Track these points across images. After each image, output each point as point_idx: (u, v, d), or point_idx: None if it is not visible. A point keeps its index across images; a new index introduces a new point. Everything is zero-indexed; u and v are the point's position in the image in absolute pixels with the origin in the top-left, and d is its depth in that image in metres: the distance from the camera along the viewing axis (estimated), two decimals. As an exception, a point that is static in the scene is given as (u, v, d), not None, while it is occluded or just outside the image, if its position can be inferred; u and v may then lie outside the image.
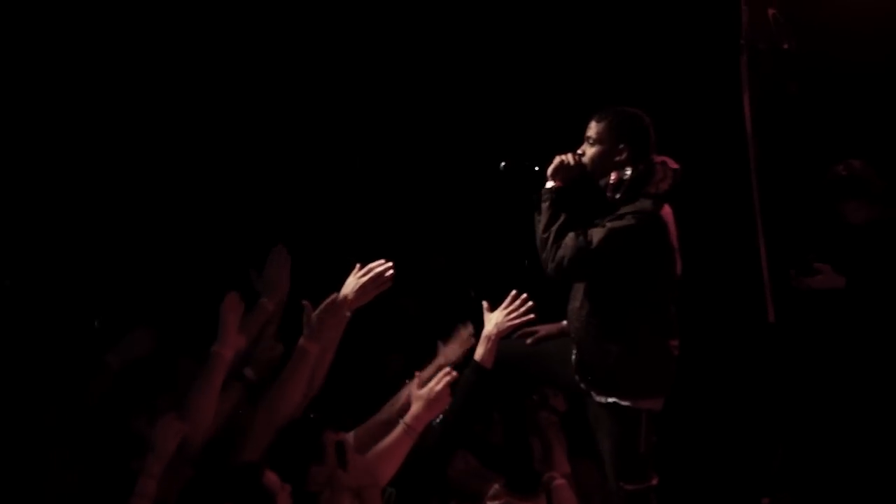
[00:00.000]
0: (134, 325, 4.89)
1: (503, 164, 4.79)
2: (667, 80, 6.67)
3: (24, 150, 6.41)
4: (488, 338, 4.93)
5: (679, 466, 5.48)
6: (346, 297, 4.58)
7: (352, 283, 4.60)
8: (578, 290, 4.75)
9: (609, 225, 4.55)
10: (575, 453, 5.41)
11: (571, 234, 4.57)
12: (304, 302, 4.55)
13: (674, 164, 4.72)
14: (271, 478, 4.03)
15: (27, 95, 6.40)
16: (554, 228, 4.61)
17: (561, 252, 4.55)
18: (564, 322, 4.86)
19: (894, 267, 5.77)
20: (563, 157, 4.68)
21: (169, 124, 6.87)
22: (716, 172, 6.41)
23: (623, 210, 4.58)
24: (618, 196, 4.62)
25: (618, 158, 4.65)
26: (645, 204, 4.59)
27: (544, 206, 4.67)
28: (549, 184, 4.70)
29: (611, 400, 4.64)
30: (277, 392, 4.46)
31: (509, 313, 4.94)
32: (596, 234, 4.54)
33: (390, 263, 4.64)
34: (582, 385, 4.72)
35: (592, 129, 4.70)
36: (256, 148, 7.11)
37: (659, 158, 4.70)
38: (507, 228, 6.65)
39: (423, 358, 5.15)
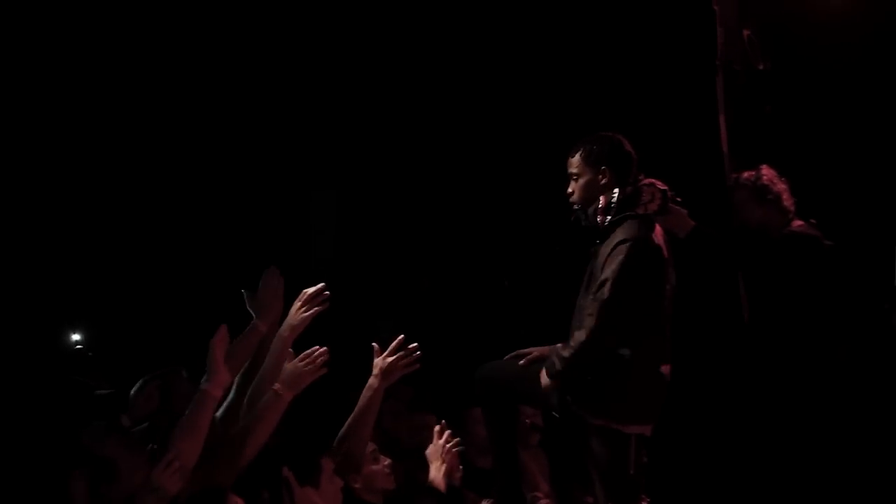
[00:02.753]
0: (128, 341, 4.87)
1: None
2: (643, 100, 6.71)
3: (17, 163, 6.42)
4: (371, 387, 4.84)
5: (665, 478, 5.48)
6: (287, 330, 4.53)
7: (292, 314, 4.55)
8: (580, 315, 4.66)
9: (608, 272, 4.48)
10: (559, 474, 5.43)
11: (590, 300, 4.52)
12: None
13: (662, 185, 4.71)
14: (236, 502, 4.01)
15: (26, 101, 6.41)
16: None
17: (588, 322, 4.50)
18: (559, 346, 4.74)
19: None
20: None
21: (161, 141, 6.88)
22: (692, 191, 6.44)
23: (615, 236, 4.55)
24: (607, 219, 4.62)
25: (602, 182, 4.66)
26: (633, 227, 4.57)
27: None
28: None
29: (599, 422, 4.59)
30: (246, 436, 4.33)
31: (395, 360, 4.84)
32: (604, 288, 4.48)
33: (322, 285, 4.57)
34: (573, 407, 4.65)
35: (571, 165, 4.73)
36: (248, 169, 7.12)
37: (647, 180, 4.70)
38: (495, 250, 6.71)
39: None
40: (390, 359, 4.82)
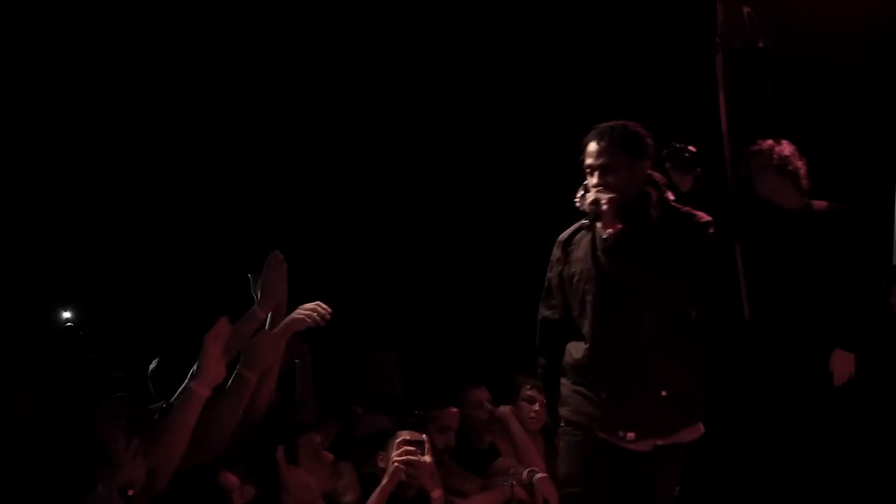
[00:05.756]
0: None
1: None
2: (642, 79, 6.67)
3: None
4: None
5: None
6: (285, 326, 4.47)
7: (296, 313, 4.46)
8: (622, 322, 4.38)
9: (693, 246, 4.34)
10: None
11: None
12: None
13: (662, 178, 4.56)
14: (228, 478, 3.95)
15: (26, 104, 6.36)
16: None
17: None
18: None
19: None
20: (602, 193, 4.33)
21: (160, 134, 6.84)
22: (696, 182, 6.41)
23: (683, 228, 4.37)
24: (659, 213, 4.39)
25: (641, 176, 4.40)
26: (689, 214, 4.41)
27: (622, 256, 4.31)
28: (613, 229, 4.31)
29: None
30: (211, 418, 4.20)
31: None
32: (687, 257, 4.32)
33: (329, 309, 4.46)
34: (632, 434, 4.40)
35: (599, 154, 4.35)
36: (252, 157, 7.08)
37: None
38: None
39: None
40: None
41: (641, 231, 4.30)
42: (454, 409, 5.51)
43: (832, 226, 5.81)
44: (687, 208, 4.43)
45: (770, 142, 5.89)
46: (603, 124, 4.39)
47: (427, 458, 4.82)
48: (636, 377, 4.34)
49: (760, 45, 6.23)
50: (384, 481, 4.74)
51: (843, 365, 5.70)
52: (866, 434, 5.78)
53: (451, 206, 7.21)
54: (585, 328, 4.43)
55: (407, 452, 4.78)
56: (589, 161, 4.38)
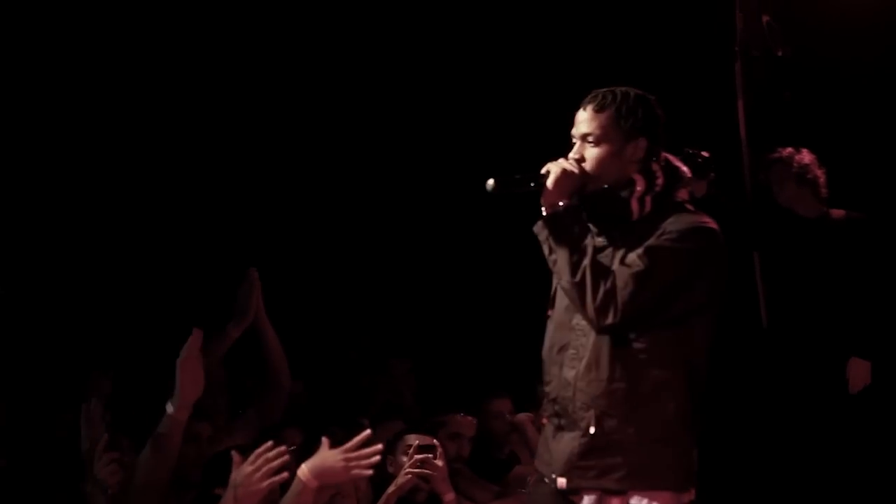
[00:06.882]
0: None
1: (492, 181, 3.51)
2: (661, 86, 6.64)
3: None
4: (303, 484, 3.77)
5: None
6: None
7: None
8: (584, 347, 3.48)
9: (669, 241, 3.39)
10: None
11: (617, 263, 3.41)
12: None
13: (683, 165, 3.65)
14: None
15: (26, 106, 6.39)
16: (586, 264, 3.39)
17: (611, 293, 3.34)
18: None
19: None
20: (563, 163, 3.48)
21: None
22: (711, 188, 6.42)
23: (667, 226, 3.42)
24: (645, 209, 3.49)
25: (634, 157, 3.49)
26: (692, 217, 3.47)
27: (556, 240, 3.46)
28: (551, 207, 3.48)
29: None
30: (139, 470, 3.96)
31: (349, 460, 3.78)
32: (656, 255, 3.37)
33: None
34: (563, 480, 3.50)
35: (589, 121, 3.50)
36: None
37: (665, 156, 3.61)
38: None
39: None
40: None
41: (605, 223, 3.49)
42: (467, 417, 5.47)
43: (850, 234, 5.84)
44: (700, 213, 3.53)
45: (790, 150, 5.91)
46: (601, 89, 3.58)
47: (440, 463, 4.63)
48: (566, 406, 3.49)
49: (779, 53, 6.24)
50: (391, 489, 4.53)
51: (859, 373, 5.72)
52: (882, 442, 5.79)
53: (474, 213, 7.24)
54: None
55: (420, 464, 4.51)
56: (573, 130, 3.57)
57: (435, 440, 4.80)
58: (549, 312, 3.66)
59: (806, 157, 5.89)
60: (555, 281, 3.59)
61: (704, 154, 5.03)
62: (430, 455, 4.58)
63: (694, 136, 5.98)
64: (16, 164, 6.41)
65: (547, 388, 3.59)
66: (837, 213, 5.91)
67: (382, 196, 7.32)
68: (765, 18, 6.23)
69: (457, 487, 4.95)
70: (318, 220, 7.14)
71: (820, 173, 5.89)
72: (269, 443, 3.74)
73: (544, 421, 3.63)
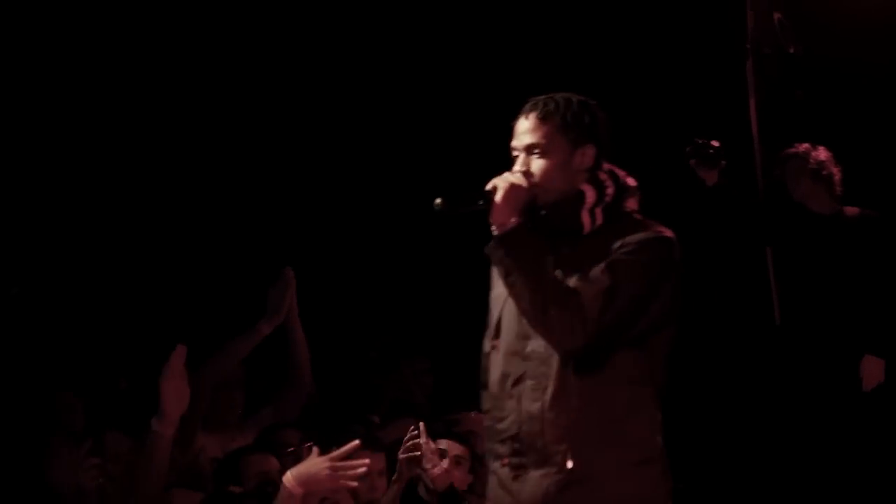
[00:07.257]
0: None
1: (439, 200, 3.26)
2: (673, 85, 6.68)
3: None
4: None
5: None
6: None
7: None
8: (545, 376, 3.20)
9: (632, 254, 3.18)
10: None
11: (575, 280, 3.17)
12: None
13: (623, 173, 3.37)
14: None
15: (28, 106, 6.39)
16: (549, 283, 3.17)
17: (578, 313, 3.11)
18: None
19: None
20: (510, 177, 3.25)
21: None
22: (721, 177, 6.42)
23: (627, 239, 3.21)
24: (596, 221, 3.26)
25: (582, 166, 3.27)
26: (649, 228, 3.26)
27: (513, 260, 3.19)
28: (501, 226, 3.22)
29: None
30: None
31: (335, 469, 3.76)
32: (621, 269, 3.15)
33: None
34: None
35: (533, 131, 3.28)
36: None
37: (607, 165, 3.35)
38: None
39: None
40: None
41: (553, 238, 3.26)
42: (480, 415, 5.41)
43: (863, 232, 5.84)
44: (652, 222, 3.29)
45: (807, 145, 5.92)
46: (540, 96, 3.36)
47: (422, 440, 4.41)
48: (534, 442, 3.22)
49: (791, 50, 6.25)
50: (392, 478, 4.40)
51: (872, 371, 5.72)
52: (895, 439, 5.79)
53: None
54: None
55: (409, 448, 4.36)
56: (514, 142, 3.34)
57: (422, 423, 4.57)
58: (495, 343, 3.36)
59: (822, 153, 5.89)
60: (495, 309, 3.38)
61: (715, 143, 5.07)
62: (414, 434, 4.43)
63: (706, 134, 6.02)
64: (33, 167, 6.44)
65: (501, 426, 3.27)
66: (851, 210, 5.92)
67: (402, 198, 7.33)
68: (776, 16, 6.23)
69: (472, 484, 4.95)
70: (339, 219, 7.15)
71: (836, 171, 5.89)
72: (356, 442, 3.75)
73: (496, 464, 3.29)
